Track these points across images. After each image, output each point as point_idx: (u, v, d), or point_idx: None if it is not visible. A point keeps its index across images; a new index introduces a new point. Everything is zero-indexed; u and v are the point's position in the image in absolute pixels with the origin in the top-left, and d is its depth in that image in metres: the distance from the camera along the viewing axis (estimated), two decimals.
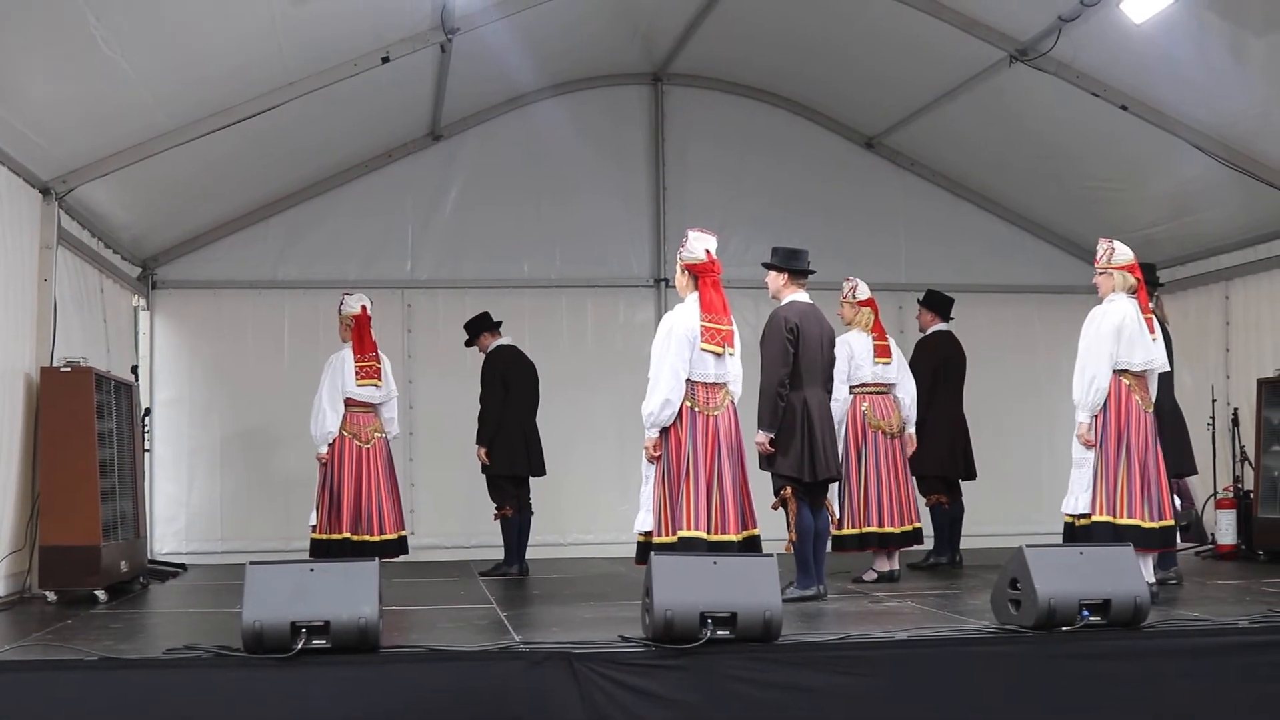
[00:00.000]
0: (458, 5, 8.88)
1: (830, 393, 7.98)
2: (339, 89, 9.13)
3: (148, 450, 10.69)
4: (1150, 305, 7.66)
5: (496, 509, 9.88)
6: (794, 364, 7.63)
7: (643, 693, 5.45)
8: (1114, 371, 7.37)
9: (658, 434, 7.03)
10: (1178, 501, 7.79)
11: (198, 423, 11.52)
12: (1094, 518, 7.30)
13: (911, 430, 9.20)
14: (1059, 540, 7.54)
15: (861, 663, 5.66)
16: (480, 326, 10.09)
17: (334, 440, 9.10)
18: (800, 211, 12.10)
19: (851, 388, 8.95)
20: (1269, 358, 10.53)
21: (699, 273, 7.20)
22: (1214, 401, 10.93)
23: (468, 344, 10.16)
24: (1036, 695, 5.72)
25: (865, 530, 8.87)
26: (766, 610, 5.61)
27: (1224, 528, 10.47)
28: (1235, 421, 10.80)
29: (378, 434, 9.26)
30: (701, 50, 11.46)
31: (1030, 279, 12.44)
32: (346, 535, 9.06)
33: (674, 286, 7.71)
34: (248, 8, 7.92)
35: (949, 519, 9.97)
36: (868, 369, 9.02)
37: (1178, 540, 7.77)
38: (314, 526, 9.15)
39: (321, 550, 9.07)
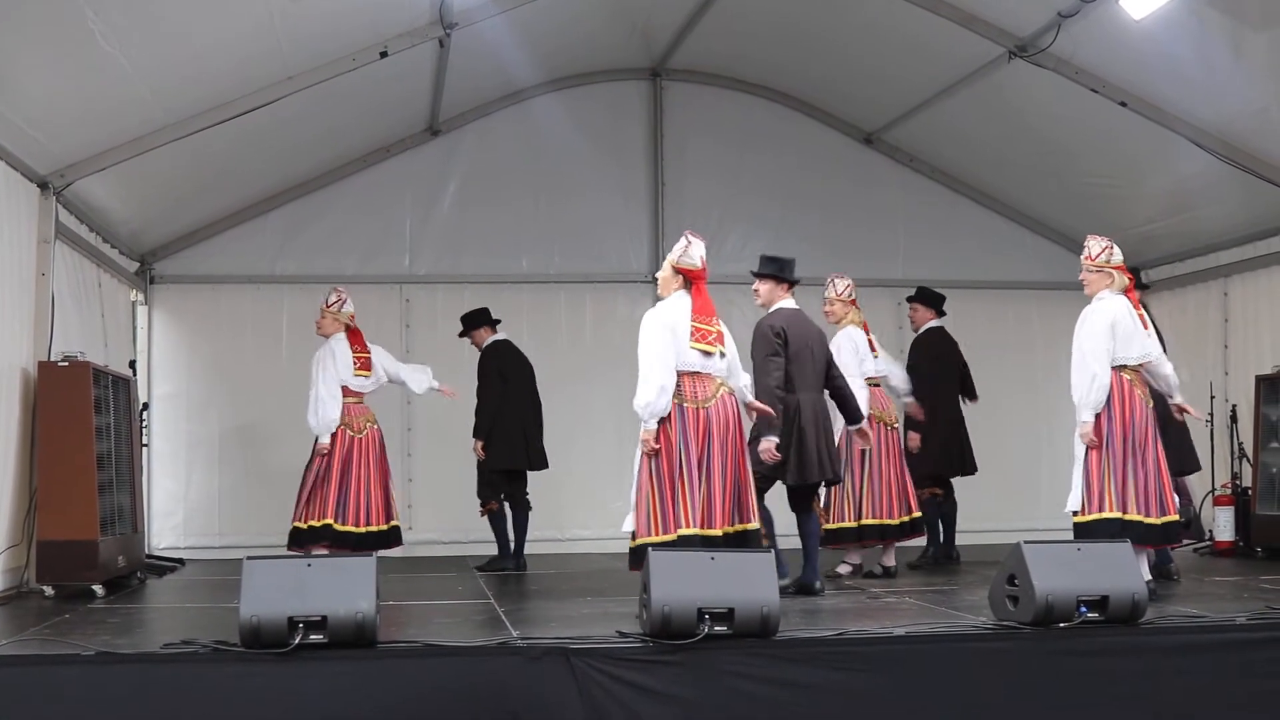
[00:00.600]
0: (456, 0, 8.88)
1: (824, 393, 8.00)
2: (337, 84, 9.12)
3: (145, 445, 10.69)
4: (1140, 302, 7.71)
5: (482, 505, 9.86)
6: (785, 368, 7.66)
7: (640, 688, 5.46)
8: (1113, 367, 7.38)
9: (656, 425, 6.95)
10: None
11: (196, 417, 11.51)
12: (1103, 514, 7.29)
13: (899, 425, 9.24)
14: (1057, 537, 7.53)
15: (859, 659, 5.67)
16: (479, 321, 10.10)
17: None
18: (798, 207, 12.11)
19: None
20: (1267, 354, 10.53)
21: (693, 277, 7.18)
22: (1212, 398, 10.93)
23: (461, 335, 10.16)
24: (1034, 692, 5.72)
25: (864, 523, 8.88)
26: (764, 606, 5.61)
27: (1222, 524, 10.48)
28: (1234, 418, 10.80)
29: (371, 424, 9.30)
30: (700, 46, 11.45)
31: (1029, 275, 12.44)
32: (329, 521, 9.05)
33: None
34: (246, 2, 7.91)
35: (941, 513, 9.96)
36: (870, 362, 9.05)
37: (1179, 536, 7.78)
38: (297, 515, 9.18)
39: (302, 538, 9.06)
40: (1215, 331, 11.30)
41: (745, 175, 12.17)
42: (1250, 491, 10.41)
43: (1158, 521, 7.31)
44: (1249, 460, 10.53)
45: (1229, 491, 10.59)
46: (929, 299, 10.16)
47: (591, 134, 11.93)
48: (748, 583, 5.66)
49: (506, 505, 9.92)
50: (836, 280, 9.26)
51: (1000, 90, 10.38)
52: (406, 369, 9.75)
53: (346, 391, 9.22)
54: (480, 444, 9.81)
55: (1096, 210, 11.48)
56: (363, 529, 9.10)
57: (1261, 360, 10.59)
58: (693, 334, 7.01)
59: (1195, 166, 10.05)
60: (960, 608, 6.90)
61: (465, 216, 11.89)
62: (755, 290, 8.05)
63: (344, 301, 9.39)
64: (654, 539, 6.75)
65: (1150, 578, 7.24)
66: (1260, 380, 10.45)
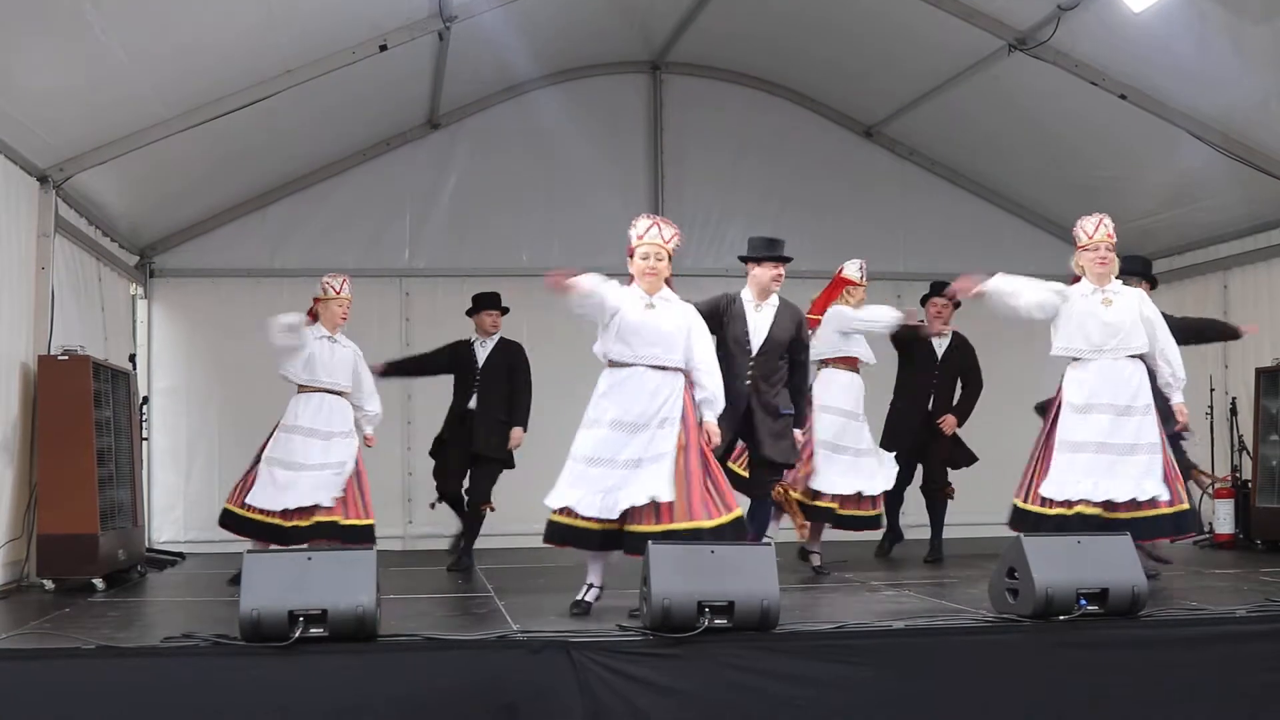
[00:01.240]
0: None
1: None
2: (337, 77, 9.11)
3: (145, 439, 10.69)
4: None
5: (486, 503, 9.63)
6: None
7: (641, 681, 5.46)
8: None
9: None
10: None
11: (196, 411, 11.51)
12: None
13: None
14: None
15: (859, 652, 5.68)
16: (496, 304, 9.84)
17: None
18: (798, 200, 12.10)
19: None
20: (1267, 347, 10.52)
21: None
22: (1212, 391, 10.93)
23: (470, 313, 9.86)
24: (1033, 685, 5.73)
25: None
26: (764, 599, 5.62)
27: (1222, 517, 10.49)
28: (1233, 411, 10.80)
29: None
30: (700, 39, 11.45)
31: (1028, 268, 12.19)
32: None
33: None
34: None
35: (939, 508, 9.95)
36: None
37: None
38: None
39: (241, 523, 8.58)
40: None
41: (745, 169, 12.17)
42: (1250, 484, 10.42)
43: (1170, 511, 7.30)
44: (1249, 453, 10.54)
45: (1229, 484, 10.60)
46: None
47: (591, 127, 11.91)
48: (748, 576, 5.67)
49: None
50: (860, 265, 9.15)
51: (1000, 83, 10.37)
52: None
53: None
54: (521, 432, 9.53)
55: (1096, 203, 11.39)
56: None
57: (1261, 353, 10.58)
58: None
59: (1195, 159, 10.05)
60: (960, 601, 6.91)
61: (465, 210, 11.89)
62: (779, 277, 7.86)
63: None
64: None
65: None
66: (1260, 373, 10.45)
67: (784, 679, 5.55)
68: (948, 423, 9.66)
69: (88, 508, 8.04)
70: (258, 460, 8.58)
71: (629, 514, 6.49)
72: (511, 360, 9.70)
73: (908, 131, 12.12)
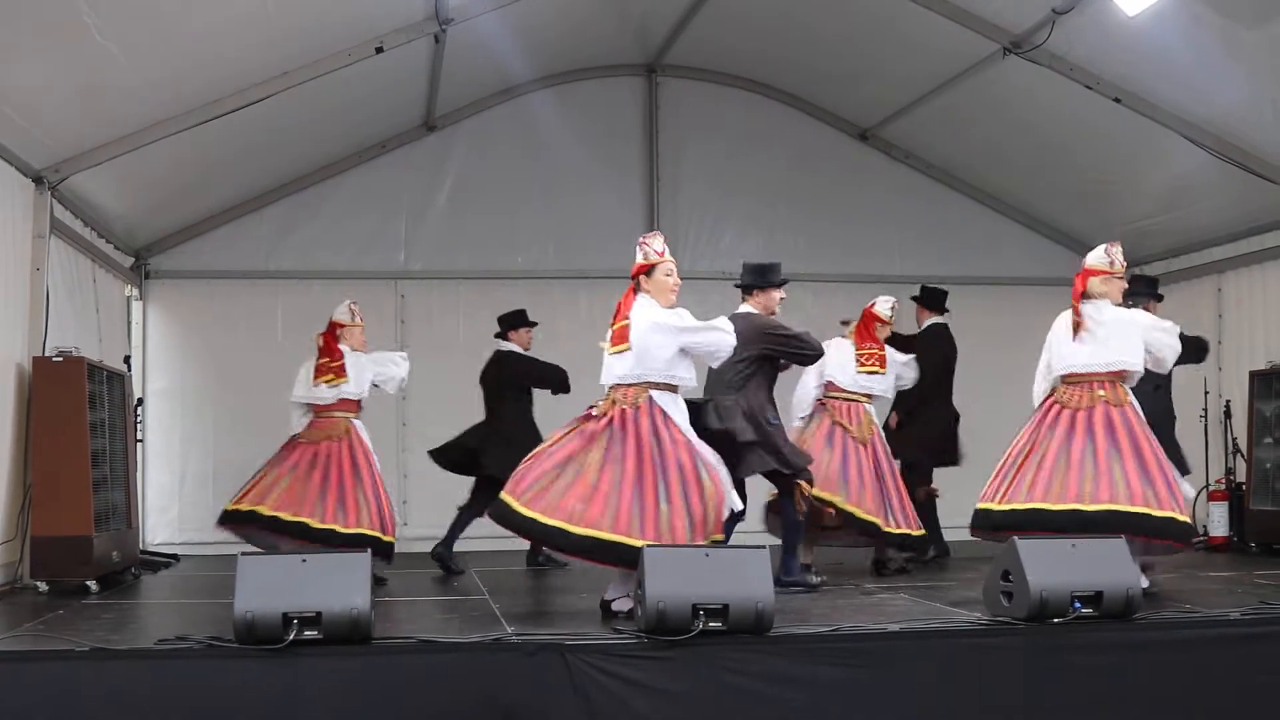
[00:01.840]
0: None
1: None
2: (333, 79, 9.11)
3: (140, 440, 10.67)
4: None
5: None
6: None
7: (635, 684, 5.46)
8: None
9: None
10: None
11: (190, 413, 11.51)
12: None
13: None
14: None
15: (854, 654, 5.68)
16: (524, 321, 10.03)
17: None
18: (793, 203, 12.12)
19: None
20: (1261, 350, 10.55)
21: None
22: (1206, 394, 10.94)
23: (507, 330, 10.01)
24: (1028, 687, 5.73)
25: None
26: (759, 602, 5.62)
27: (1216, 520, 10.51)
28: (1227, 414, 10.82)
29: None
30: (696, 42, 11.45)
31: (1023, 271, 12.43)
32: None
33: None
34: None
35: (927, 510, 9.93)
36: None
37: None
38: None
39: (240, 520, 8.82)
40: (1209, 327, 11.27)
41: (740, 171, 12.17)
42: (1244, 487, 10.44)
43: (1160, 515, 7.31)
44: (1243, 456, 10.55)
45: (1223, 487, 10.61)
46: (930, 298, 10.09)
47: (587, 130, 11.92)
48: (742, 579, 5.67)
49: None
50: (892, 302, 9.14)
51: (995, 86, 10.39)
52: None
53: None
54: None
55: (1091, 206, 11.50)
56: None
57: (1255, 356, 10.61)
58: None
59: (1189, 163, 10.07)
60: (954, 603, 6.91)
61: (460, 212, 11.89)
62: (782, 298, 7.99)
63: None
64: None
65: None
66: (1254, 375, 10.46)
67: (779, 681, 5.55)
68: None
69: (82, 510, 8.02)
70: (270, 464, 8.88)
71: None
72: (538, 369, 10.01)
73: (903, 134, 12.13)
